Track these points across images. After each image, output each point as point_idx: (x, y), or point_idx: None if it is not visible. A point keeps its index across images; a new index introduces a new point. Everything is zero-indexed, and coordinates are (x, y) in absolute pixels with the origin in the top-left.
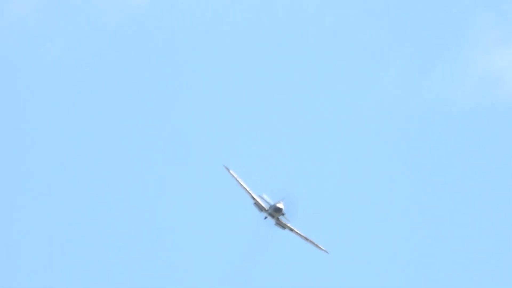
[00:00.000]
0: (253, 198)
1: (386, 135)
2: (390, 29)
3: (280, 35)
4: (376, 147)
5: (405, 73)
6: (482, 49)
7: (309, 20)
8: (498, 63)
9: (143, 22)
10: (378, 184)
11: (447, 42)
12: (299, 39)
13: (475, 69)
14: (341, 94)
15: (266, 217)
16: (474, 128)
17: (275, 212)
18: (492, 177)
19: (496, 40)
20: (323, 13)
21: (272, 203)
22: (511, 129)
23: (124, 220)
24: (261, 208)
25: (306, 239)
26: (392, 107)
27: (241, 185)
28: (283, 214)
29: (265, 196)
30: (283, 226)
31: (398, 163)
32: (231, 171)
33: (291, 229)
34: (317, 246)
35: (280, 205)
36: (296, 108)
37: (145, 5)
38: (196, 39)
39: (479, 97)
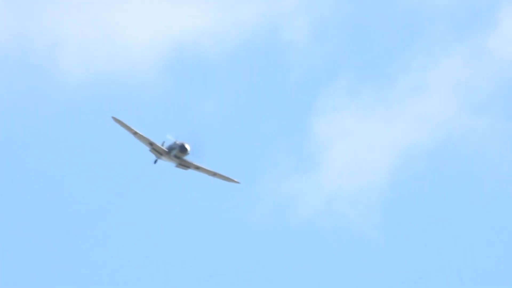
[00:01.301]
0: (151, 144)
1: None
2: None
3: None
4: None
5: None
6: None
7: None
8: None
9: None
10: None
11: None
12: None
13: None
14: None
15: (156, 161)
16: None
17: (181, 152)
18: None
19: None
20: None
21: (174, 143)
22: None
23: None
24: (161, 153)
25: (214, 174)
26: None
27: (136, 133)
28: (188, 154)
29: (168, 137)
30: (186, 166)
31: None
32: (122, 121)
33: (197, 168)
34: (227, 178)
35: (186, 145)
36: None
37: None
38: None
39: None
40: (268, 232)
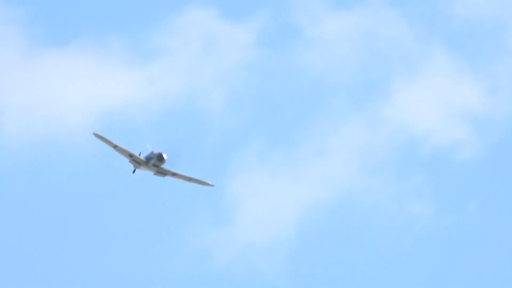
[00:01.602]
0: (130, 156)
1: None
2: None
3: None
4: None
5: None
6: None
7: None
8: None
9: None
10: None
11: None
12: None
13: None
14: None
15: (134, 171)
16: None
17: (158, 161)
18: None
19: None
20: None
21: (152, 153)
22: None
23: None
24: (139, 163)
25: (190, 178)
26: None
27: (116, 146)
28: (165, 162)
29: (147, 147)
30: (164, 173)
31: None
32: (103, 136)
33: (173, 174)
34: (202, 182)
35: (163, 154)
36: None
37: None
38: None
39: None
40: (187, 280)
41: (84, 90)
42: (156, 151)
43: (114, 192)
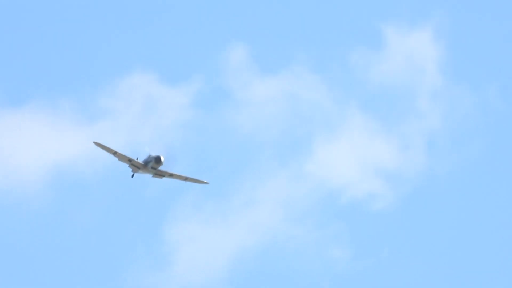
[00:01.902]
0: (129, 160)
1: None
2: None
3: None
4: None
5: None
6: None
7: None
8: None
9: None
10: None
11: None
12: None
13: None
14: None
15: (133, 175)
16: None
17: (156, 163)
18: None
19: None
20: None
21: (149, 157)
22: None
23: None
24: (138, 167)
25: (186, 178)
26: None
27: (116, 153)
28: (162, 164)
29: (146, 149)
30: (161, 175)
31: None
32: (103, 145)
33: (170, 175)
34: (197, 181)
35: (161, 156)
36: None
37: None
38: None
39: None
40: None
41: (36, 147)
42: (153, 154)
43: (61, 240)
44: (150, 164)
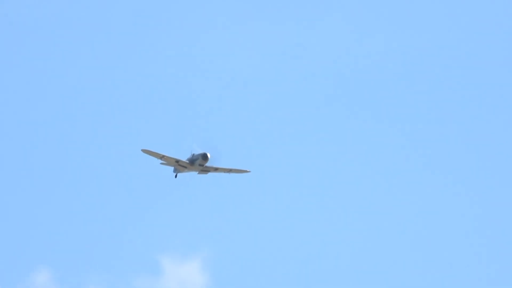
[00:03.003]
0: (177, 161)
1: None
2: None
3: None
4: None
5: None
6: None
7: None
8: None
9: None
10: None
11: None
12: None
13: None
14: None
15: (176, 175)
16: None
17: (203, 160)
18: None
19: None
20: None
21: (194, 156)
22: None
23: None
24: (185, 166)
25: (230, 170)
26: None
27: (163, 156)
28: (209, 160)
29: (194, 146)
30: (206, 170)
31: None
32: (152, 151)
33: (215, 169)
34: (240, 171)
35: (207, 153)
36: None
37: None
38: None
39: None
40: None
41: None
42: (197, 152)
43: None
44: (197, 162)
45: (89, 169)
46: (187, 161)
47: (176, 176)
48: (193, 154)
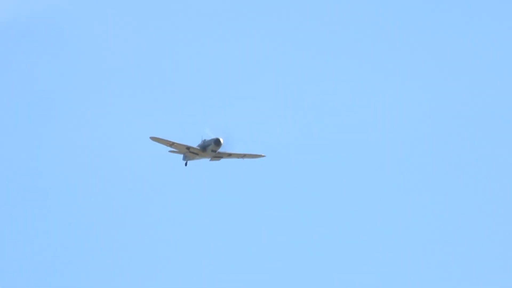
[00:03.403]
0: (188, 148)
1: None
2: None
3: None
4: None
5: None
6: None
7: None
8: None
9: None
10: None
11: None
12: None
13: None
14: None
15: (186, 163)
16: None
17: (216, 145)
18: None
19: None
20: None
21: (205, 141)
22: None
23: None
24: (197, 153)
25: (244, 155)
26: None
27: (173, 144)
28: (222, 144)
29: (207, 131)
30: (219, 157)
31: None
32: (160, 138)
33: (228, 155)
34: (254, 156)
35: (219, 138)
36: None
37: None
38: None
39: None
40: None
41: None
42: (209, 138)
43: None
44: (210, 148)
45: (97, 160)
46: (199, 148)
47: (186, 164)
48: (204, 140)
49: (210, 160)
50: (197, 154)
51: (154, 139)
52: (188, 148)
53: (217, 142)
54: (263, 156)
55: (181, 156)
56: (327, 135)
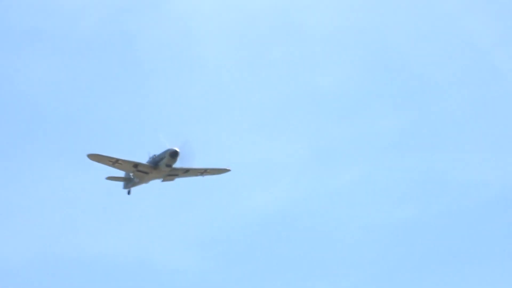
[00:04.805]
0: (135, 166)
1: None
2: None
3: None
4: None
5: None
6: None
7: None
8: None
9: None
10: None
11: None
12: None
13: None
14: None
15: (129, 192)
16: None
17: (171, 158)
18: None
19: None
20: None
21: (157, 156)
22: None
23: None
24: (147, 171)
25: (205, 170)
26: None
27: (117, 161)
28: (179, 156)
29: (160, 138)
30: (174, 175)
31: None
32: (100, 154)
33: (185, 172)
34: (218, 171)
35: (175, 149)
36: None
37: None
38: None
39: None
40: None
41: None
42: (165, 148)
43: None
44: (164, 162)
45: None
46: (149, 164)
47: (129, 193)
48: (155, 155)
49: (162, 180)
50: (146, 173)
51: (92, 157)
52: (136, 165)
53: (173, 154)
54: (229, 170)
55: (122, 184)
56: None
